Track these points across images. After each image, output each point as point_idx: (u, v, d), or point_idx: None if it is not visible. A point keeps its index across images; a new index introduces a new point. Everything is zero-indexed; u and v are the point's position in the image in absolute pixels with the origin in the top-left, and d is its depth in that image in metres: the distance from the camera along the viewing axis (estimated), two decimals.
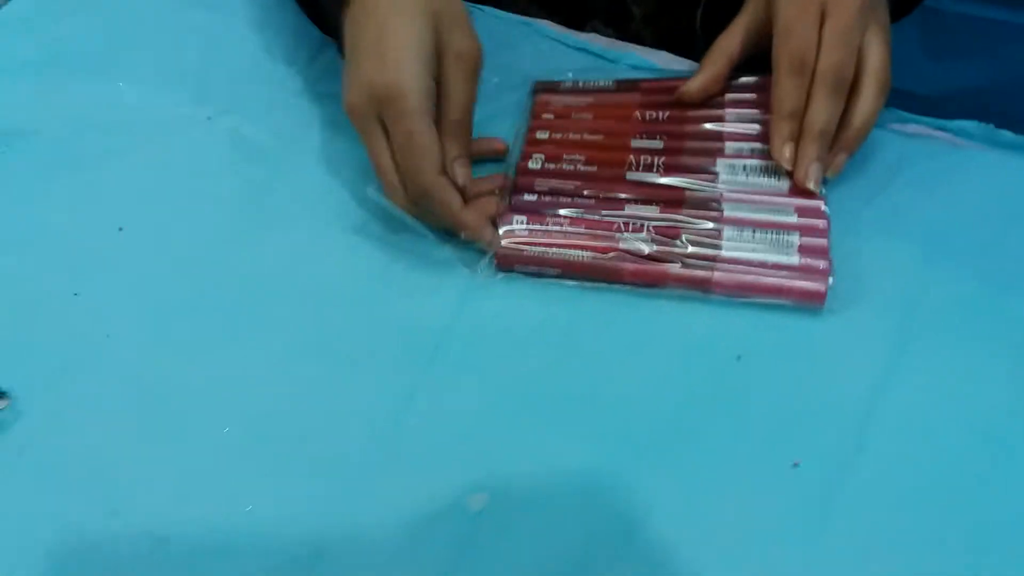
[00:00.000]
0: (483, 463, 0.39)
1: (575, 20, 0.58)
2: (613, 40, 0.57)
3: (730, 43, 0.48)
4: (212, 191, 0.50)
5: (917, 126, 0.50)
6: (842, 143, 0.45)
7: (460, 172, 0.44)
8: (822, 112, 0.44)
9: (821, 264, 0.42)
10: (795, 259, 0.42)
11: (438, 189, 0.42)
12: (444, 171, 0.43)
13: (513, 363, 0.42)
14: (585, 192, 0.46)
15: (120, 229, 0.48)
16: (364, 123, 0.43)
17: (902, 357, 0.41)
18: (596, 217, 0.45)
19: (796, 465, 0.38)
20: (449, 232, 0.45)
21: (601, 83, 0.52)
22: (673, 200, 0.45)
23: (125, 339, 0.44)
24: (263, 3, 0.61)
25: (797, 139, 0.45)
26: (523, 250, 0.44)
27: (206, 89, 0.55)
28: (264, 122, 0.53)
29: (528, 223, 0.45)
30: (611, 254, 0.43)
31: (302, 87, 0.55)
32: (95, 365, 0.43)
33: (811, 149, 0.44)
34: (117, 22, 0.60)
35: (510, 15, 0.59)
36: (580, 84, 0.53)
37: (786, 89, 0.44)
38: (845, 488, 0.37)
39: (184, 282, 0.46)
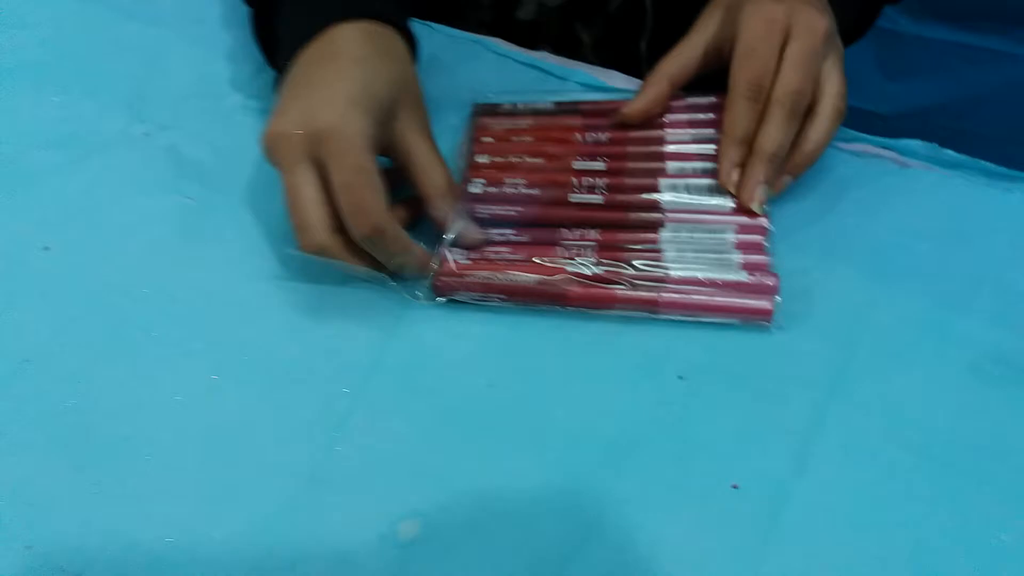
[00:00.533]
0: (415, 490, 0.37)
1: (525, 46, 0.58)
2: (564, 59, 0.56)
3: (672, 65, 0.47)
4: (146, 209, 0.48)
5: (863, 145, 0.50)
6: (789, 167, 0.45)
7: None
8: (776, 134, 0.43)
9: (768, 281, 0.42)
10: (741, 276, 0.42)
11: (391, 225, 0.40)
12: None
13: (450, 387, 0.41)
14: (528, 216, 0.45)
15: (46, 248, 0.46)
16: (292, 154, 0.40)
17: (846, 376, 0.40)
18: (540, 241, 0.44)
19: (735, 487, 0.37)
20: (372, 274, 0.43)
21: (541, 105, 0.51)
22: (617, 222, 0.45)
23: (44, 364, 0.42)
24: (205, 18, 0.59)
25: (745, 163, 0.44)
26: (464, 275, 0.43)
27: (143, 105, 0.54)
28: (203, 139, 0.52)
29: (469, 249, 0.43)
30: (557, 277, 0.42)
31: (243, 103, 0.54)
32: (11, 391, 0.41)
33: (759, 171, 0.44)
34: (52, 35, 0.59)
35: (461, 33, 0.58)
36: (519, 106, 0.51)
37: (740, 113, 0.44)
38: (786, 509, 0.36)
39: (111, 305, 0.44)
